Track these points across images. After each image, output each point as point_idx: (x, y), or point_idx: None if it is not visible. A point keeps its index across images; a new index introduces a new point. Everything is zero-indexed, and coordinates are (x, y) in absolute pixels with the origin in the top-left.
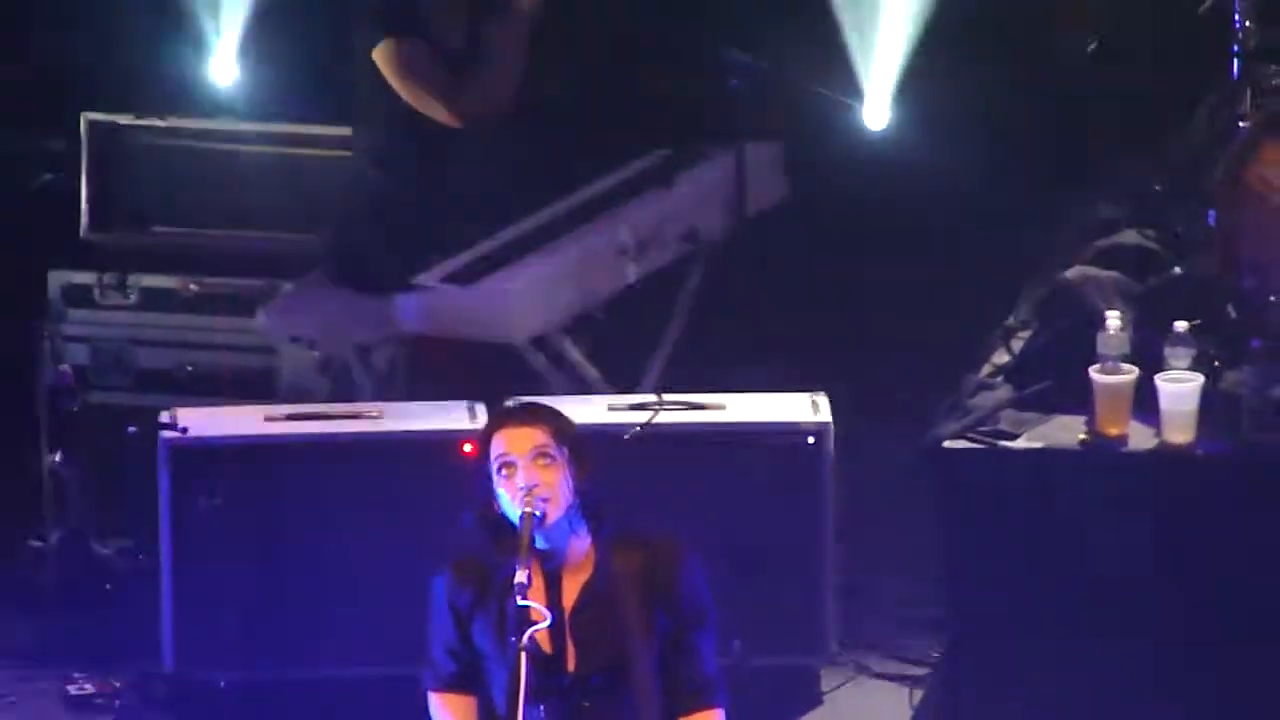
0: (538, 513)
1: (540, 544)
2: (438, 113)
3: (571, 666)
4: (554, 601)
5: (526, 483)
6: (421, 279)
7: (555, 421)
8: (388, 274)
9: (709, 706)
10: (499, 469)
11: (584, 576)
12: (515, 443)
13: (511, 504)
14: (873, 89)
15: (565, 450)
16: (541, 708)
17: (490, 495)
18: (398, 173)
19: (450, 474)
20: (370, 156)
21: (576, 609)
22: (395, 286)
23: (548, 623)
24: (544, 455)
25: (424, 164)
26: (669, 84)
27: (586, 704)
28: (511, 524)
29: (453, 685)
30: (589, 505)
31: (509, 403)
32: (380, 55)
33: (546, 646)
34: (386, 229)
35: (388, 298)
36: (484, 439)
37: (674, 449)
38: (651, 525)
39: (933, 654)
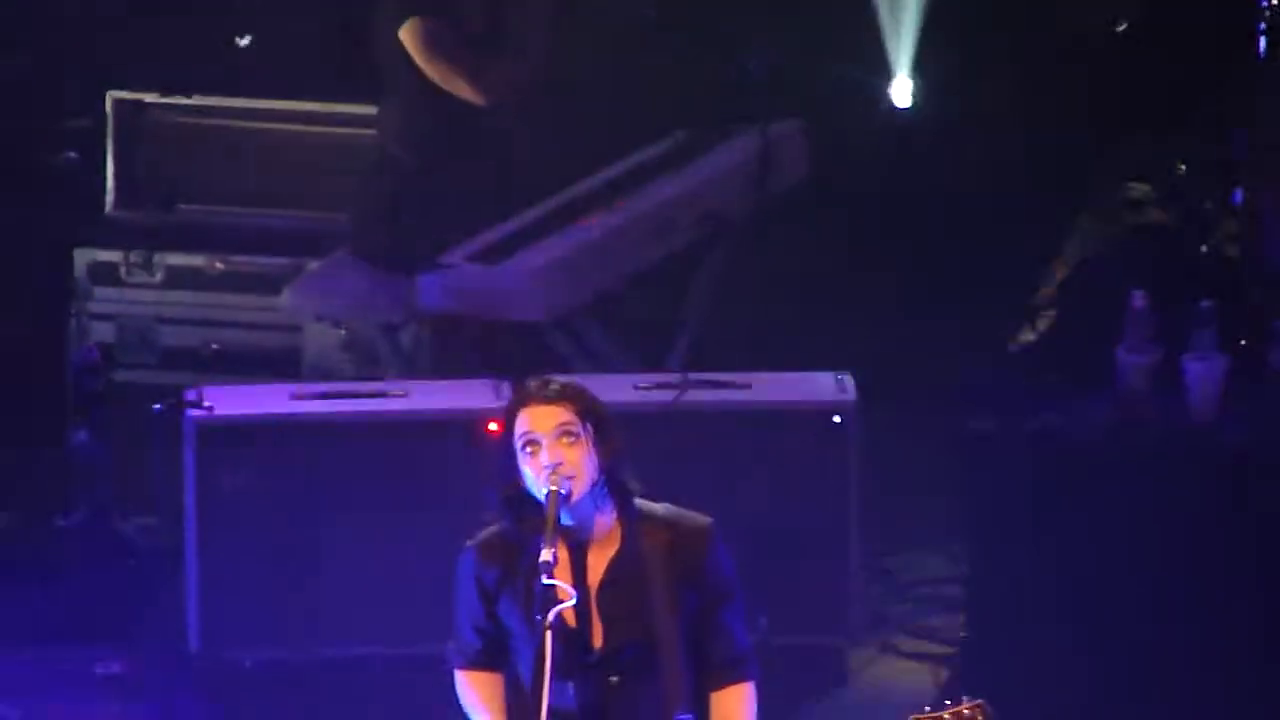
0: (563, 491)
1: (566, 520)
2: (463, 91)
3: (599, 642)
4: (580, 577)
5: (551, 460)
6: (445, 258)
7: (579, 399)
8: (412, 253)
9: (740, 680)
10: (523, 446)
11: (610, 552)
12: (539, 420)
13: (536, 482)
14: (899, 67)
15: (590, 427)
16: (570, 684)
17: (515, 472)
18: (422, 151)
19: (476, 452)
20: (395, 135)
21: (603, 585)
22: (420, 266)
23: (573, 601)
24: (568, 433)
25: (448, 143)
26: (691, 64)
27: (614, 679)
28: (536, 501)
29: (479, 663)
30: (614, 482)
31: (533, 380)
32: (406, 34)
33: (573, 623)
34: (411, 208)
35: (412, 277)
36: (508, 416)
37: (700, 428)
38: (678, 501)
39: (959, 633)
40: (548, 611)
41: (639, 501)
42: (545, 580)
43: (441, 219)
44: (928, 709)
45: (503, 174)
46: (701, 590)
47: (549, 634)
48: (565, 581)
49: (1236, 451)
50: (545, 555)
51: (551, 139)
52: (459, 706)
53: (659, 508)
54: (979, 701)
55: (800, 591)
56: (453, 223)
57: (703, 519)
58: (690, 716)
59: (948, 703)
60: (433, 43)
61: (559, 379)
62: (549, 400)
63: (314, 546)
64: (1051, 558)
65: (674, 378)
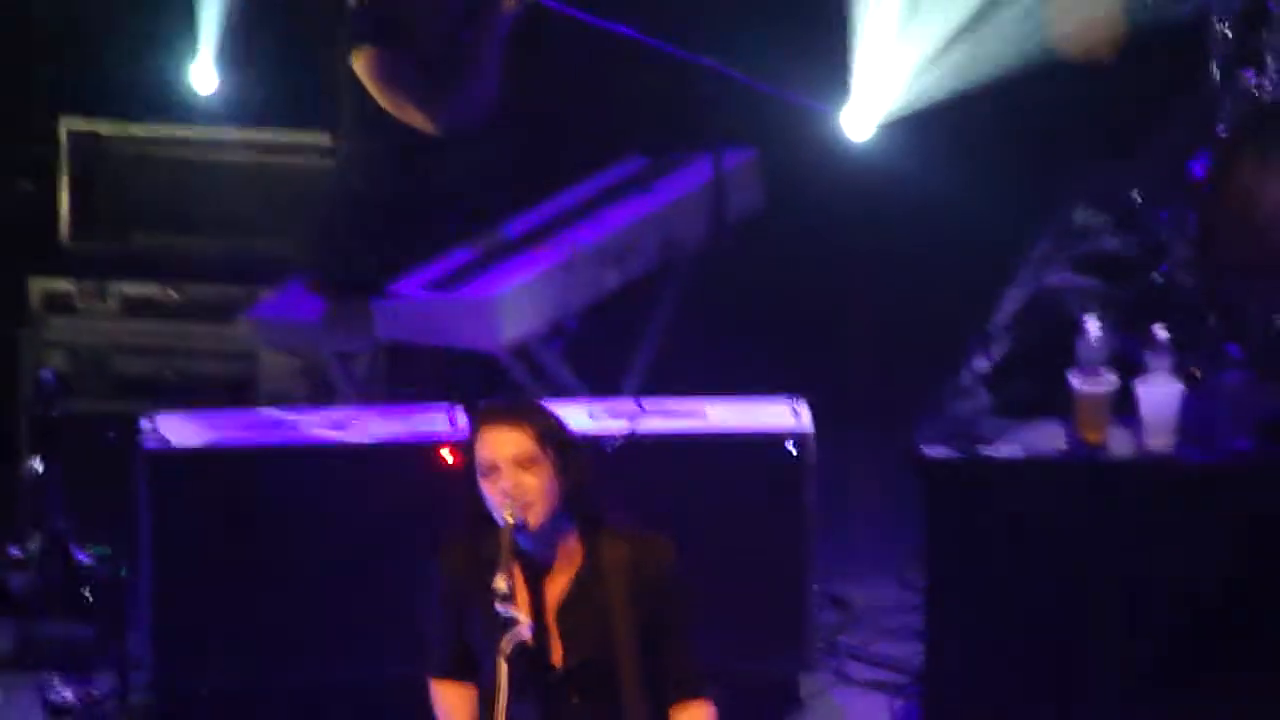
0: (518, 522)
1: (526, 545)
2: (417, 120)
3: (559, 661)
4: (539, 598)
5: (510, 486)
6: (401, 286)
7: (541, 422)
8: (368, 281)
9: (699, 697)
10: (483, 470)
11: (571, 572)
12: (499, 446)
13: (495, 506)
14: (853, 97)
15: (550, 452)
16: (530, 703)
17: (477, 490)
18: (377, 180)
19: (430, 479)
20: (351, 164)
21: (563, 604)
22: (375, 293)
23: (528, 633)
24: (528, 459)
25: (404, 171)
26: (647, 90)
27: (575, 699)
28: (496, 522)
29: (449, 672)
30: (576, 505)
31: (496, 401)
32: (360, 63)
33: (533, 642)
34: (367, 236)
35: (368, 305)
36: (469, 437)
37: (654, 457)
38: (638, 520)
39: (914, 661)
40: (501, 640)
41: (600, 519)
42: (500, 609)
43: (398, 247)
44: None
45: (459, 201)
46: (661, 608)
47: (503, 664)
48: (524, 604)
49: (1191, 478)
50: (499, 584)
51: (508, 165)
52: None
53: (620, 527)
54: None
55: (754, 619)
56: (409, 251)
57: (663, 538)
58: None
59: None
60: (386, 71)
61: (521, 400)
62: (509, 424)
63: (268, 575)
64: (1008, 585)
65: (628, 405)
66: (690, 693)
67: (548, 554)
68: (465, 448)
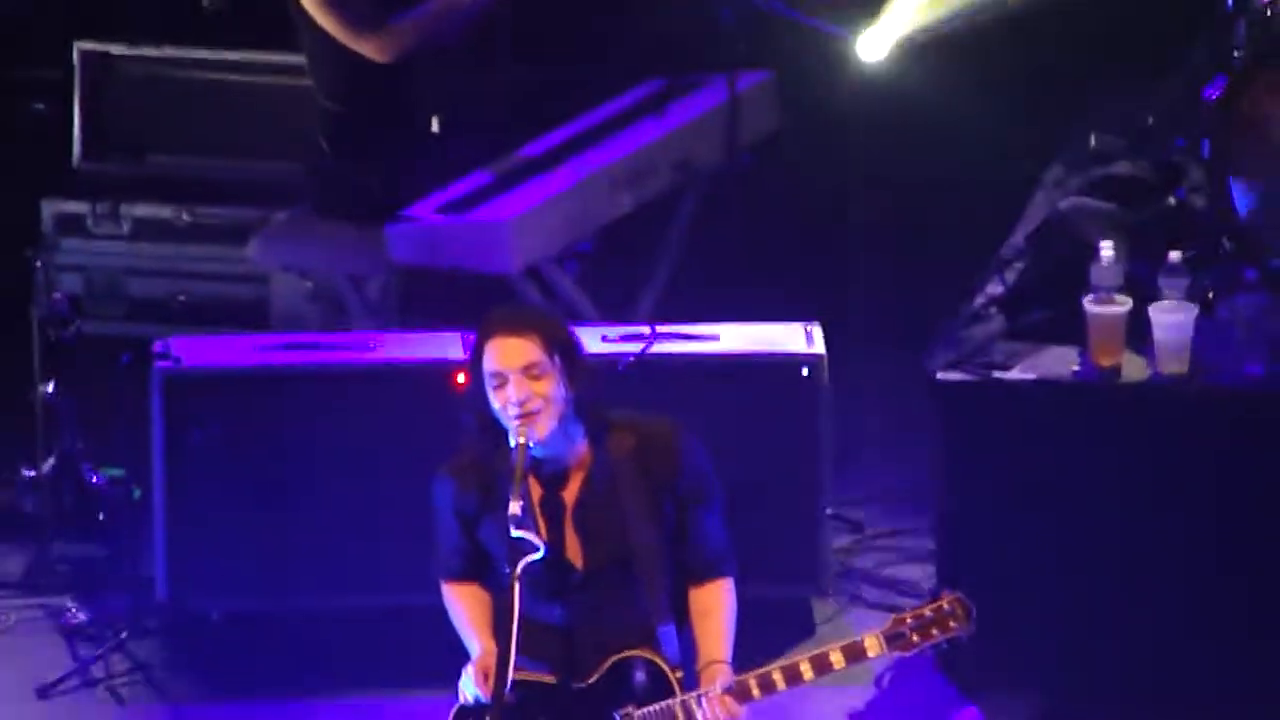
0: (531, 444)
1: (538, 453)
2: (364, 47)
3: (580, 563)
4: (556, 505)
5: (519, 396)
6: (414, 210)
7: (546, 329)
8: (372, 203)
9: (718, 576)
10: (491, 381)
11: (583, 474)
12: (507, 356)
13: (503, 412)
14: (867, 19)
15: (557, 358)
16: (556, 608)
17: (484, 399)
18: (352, 103)
19: (443, 403)
20: (321, 89)
21: (578, 505)
22: (387, 216)
23: (540, 554)
24: (535, 367)
25: (380, 94)
26: (662, 12)
27: (596, 596)
28: (504, 427)
29: (462, 576)
30: (584, 408)
31: (500, 309)
32: None
33: (550, 554)
34: (358, 157)
35: (380, 228)
36: (476, 346)
37: (667, 380)
38: (644, 409)
39: (927, 584)
40: (516, 564)
41: (606, 417)
42: (514, 532)
43: (398, 171)
44: (908, 608)
45: (472, 125)
46: (676, 492)
47: (516, 585)
48: (540, 514)
49: (1204, 402)
50: (513, 508)
51: (523, 88)
52: (429, 652)
53: (623, 417)
54: (956, 595)
55: (769, 544)
56: (419, 174)
57: (670, 422)
58: (672, 627)
59: (927, 600)
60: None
61: (526, 308)
62: (516, 332)
63: (281, 497)
64: (1020, 508)
65: (642, 329)
66: (709, 574)
67: (560, 460)
68: (472, 358)
